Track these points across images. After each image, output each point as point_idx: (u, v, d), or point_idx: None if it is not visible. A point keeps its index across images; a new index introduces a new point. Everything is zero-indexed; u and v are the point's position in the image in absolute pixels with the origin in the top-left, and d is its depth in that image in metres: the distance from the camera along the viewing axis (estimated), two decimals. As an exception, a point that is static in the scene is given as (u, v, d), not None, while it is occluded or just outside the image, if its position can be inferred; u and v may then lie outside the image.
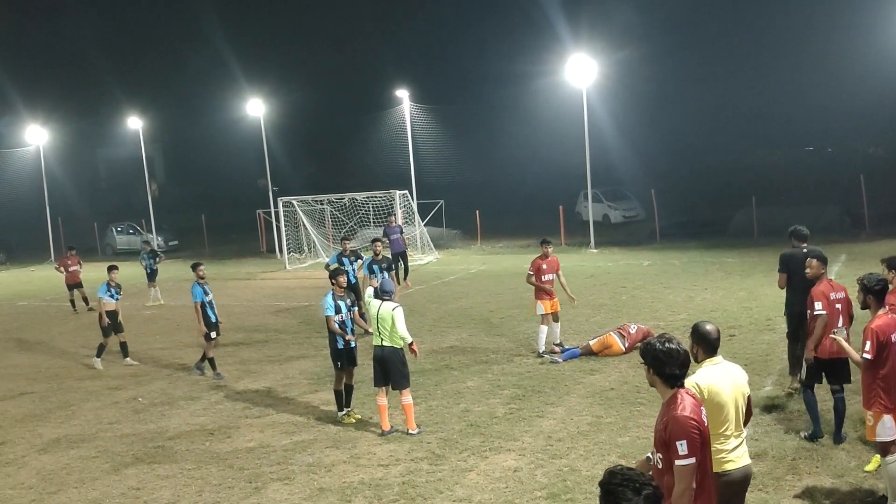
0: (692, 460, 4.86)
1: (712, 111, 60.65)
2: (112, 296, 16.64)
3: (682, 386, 5.10)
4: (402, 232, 25.66)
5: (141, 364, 16.52)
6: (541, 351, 14.67)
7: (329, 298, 11.64)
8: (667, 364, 5.06)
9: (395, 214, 27.63)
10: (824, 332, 9.14)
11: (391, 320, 10.69)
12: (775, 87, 57.28)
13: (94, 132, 67.13)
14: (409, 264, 24.66)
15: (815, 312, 9.29)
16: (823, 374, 9.44)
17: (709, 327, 5.93)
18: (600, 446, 9.73)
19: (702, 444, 4.95)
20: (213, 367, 14.86)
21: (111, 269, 17.25)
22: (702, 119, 60.60)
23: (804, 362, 9.81)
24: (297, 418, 11.90)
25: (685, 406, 4.98)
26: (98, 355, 16.49)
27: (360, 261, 18.01)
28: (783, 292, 11.60)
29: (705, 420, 5.07)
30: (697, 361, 5.81)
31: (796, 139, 54.17)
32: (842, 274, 19.63)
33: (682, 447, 4.87)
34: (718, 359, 5.89)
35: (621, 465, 3.77)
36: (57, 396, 14.40)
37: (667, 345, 5.09)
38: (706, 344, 5.88)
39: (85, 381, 15.42)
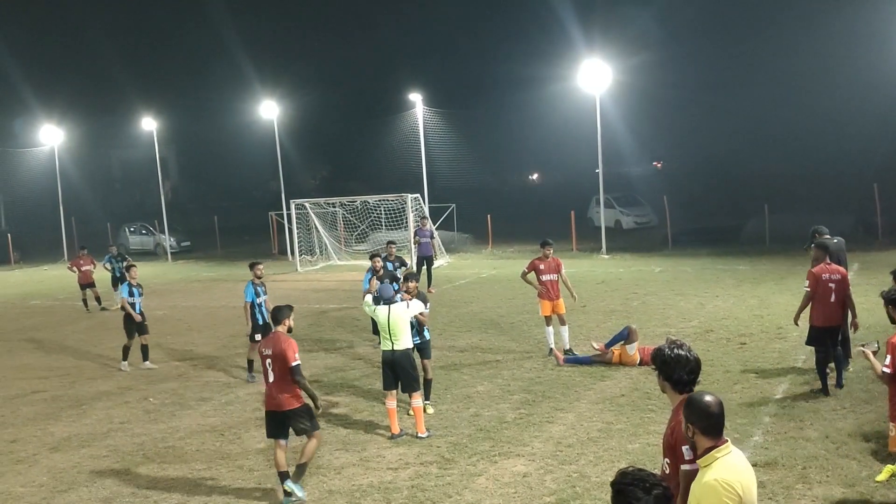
0: (697, 465, 4.82)
1: (725, 118, 60.53)
2: (132, 294, 16.32)
3: (691, 391, 5.08)
4: (432, 237, 25.75)
5: (152, 366, 16.56)
6: (551, 347, 14.79)
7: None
8: (675, 369, 5.04)
9: (427, 218, 27.77)
10: (807, 303, 11.53)
11: (403, 319, 10.78)
12: (789, 95, 57.11)
13: (108, 133, 67.54)
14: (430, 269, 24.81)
15: (804, 288, 11.60)
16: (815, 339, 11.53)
17: (708, 398, 4.57)
18: (610, 452, 9.71)
19: None
20: (250, 368, 14.70)
21: (129, 268, 16.71)
22: (715, 126, 60.48)
23: (809, 329, 11.66)
24: (307, 420, 11.91)
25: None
26: (124, 358, 16.25)
27: (403, 268, 17.93)
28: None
29: None
30: (699, 451, 4.60)
31: (810, 147, 53.93)
32: (854, 283, 19.53)
33: (687, 452, 4.86)
34: (729, 446, 4.55)
35: (633, 466, 3.78)
36: (68, 395, 14.46)
37: (676, 350, 5.08)
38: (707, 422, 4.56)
39: (97, 381, 15.49)
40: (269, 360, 9.07)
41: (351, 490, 9.13)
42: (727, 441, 4.52)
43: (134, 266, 17.00)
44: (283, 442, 9.13)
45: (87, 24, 79.19)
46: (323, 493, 9.11)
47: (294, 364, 8.93)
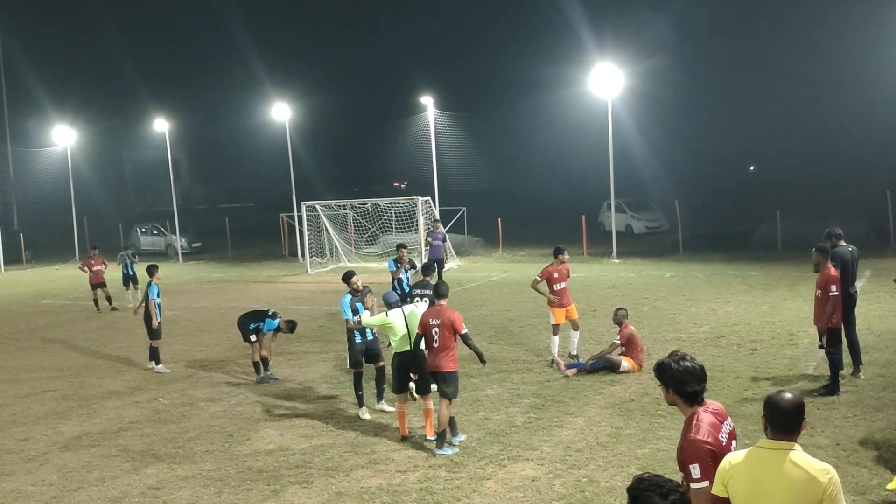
0: (706, 483, 4.80)
1: (738, 123, 60.36)
2: (158, 295, 16.39)
3: (701, 403, 5.07)
4: (445, 240, 25.76)
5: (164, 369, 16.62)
6: (553, 357, 14.55)
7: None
8: (686, 382, 5.03)
9: (440, 221, 27.78)
10: (834, 308, 11.64)
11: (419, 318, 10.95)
12: (802, 100, 56.91)
13: (120, 133, 67.81)
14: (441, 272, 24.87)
15: (831, 294, 11.62)
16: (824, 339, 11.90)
17: (784, 396, 4.67)
18: (619, 458, 9.69)
19: (715, 466, 4.86)
20: (257, 370, 14.82)
21: (156, 268, 16.77)
22: (727, 131, 60.33)
23: (820, 332, 11.98)
24: (317, 422, 11.93)
25: (699, 428, 4.95)
26: (157, 362, 16.21)
27: (413, 270, 18.04)
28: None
29: (724, 439, 4.96)
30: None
31: (822, 153, 53.71)
32: (867, 290, 19.49)
33: (694, 470, 4.84)
34: (775, 444, 4.62)
35: (649, 472, 3.77)
36: (79, 395, 14.52)
37: (682, 363, 5.07)
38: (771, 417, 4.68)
39: (106, 380, 15.55)
40: (435, 329, 10.35)
41: (359, 492, 9.13)
42: (789, 443, 4.58)
43: (157, 267, 17.07)
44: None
45: (100, 25, 79.53)
46: (332, 495, 9.11)
47: (464, 332, 10.40)
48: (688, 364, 5.04)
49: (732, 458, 4.64)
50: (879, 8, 43.11)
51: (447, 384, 10.36)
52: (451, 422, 10.51)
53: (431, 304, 11.41)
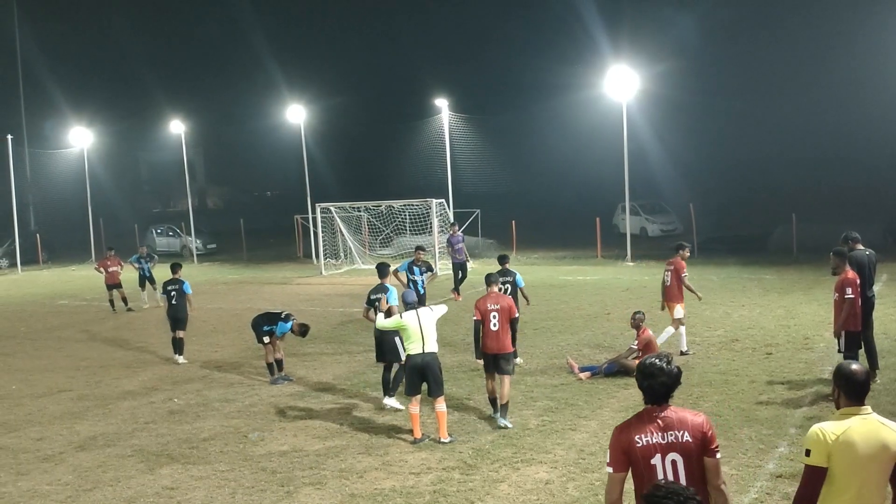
0: (610, 469, 4.98)
1: (754, 126, 60.12)
2: None
3: (658, 404, 5.01)
4: (463, 241, 25.84)
5: (172, 366, 16.72)
6: (683, 350, 15.28)
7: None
8: (644, 377, 5.07)
9: (455, 223, 27.69)
10: (850, 311, 11.62)
11: (432, 322, 11.02)
12: (818, 103, 56.60)
13: (136, 135, 68.15)
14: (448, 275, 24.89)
15: (846, 297, 11.63)
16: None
17: (855, 367, 4.99)
18: (633, 461, 9.65)
19: (625, 460, 4.90)
20: (271, 371, 14.93)
21: (180, 266, 18.48)
22: (743, 134, 60.08)
23: (836, 337, 12.04)
24: (330, 424, 11.96)
25: (628, 422, 5.09)
26: (181, 353, 17.08)
27: (430, 272, 18.12)
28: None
29: (642, 441, 4.88)
30: (838, 409, 4.98)
31: (838, 156, 53.40)
32: (884, 294, 19.36)
33: (607, 455, 5.04)
34: (860, 410, 4.88)
35: (666, 479, 3.78)
36: (94, 395, 14.60)
37: (653, 360, 5.06)
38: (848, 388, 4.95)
39: (122, 381, 15.62)
40: (494, 314, 11.43)
41: (373, 494, 9.15)
42: (865, 407, 4.88)
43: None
44: (496, 375, 11.49)
45: (117, 27, 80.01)
46: (345, 497, 9.13)
47: (517, 315, 11.75)
48: (657, 362, 5.02)
49: (833, 430, 4.79)
50: (896, 11, 42.90)
51: (508, 362, 11.49)
52: (506, 407, 11.42)
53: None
